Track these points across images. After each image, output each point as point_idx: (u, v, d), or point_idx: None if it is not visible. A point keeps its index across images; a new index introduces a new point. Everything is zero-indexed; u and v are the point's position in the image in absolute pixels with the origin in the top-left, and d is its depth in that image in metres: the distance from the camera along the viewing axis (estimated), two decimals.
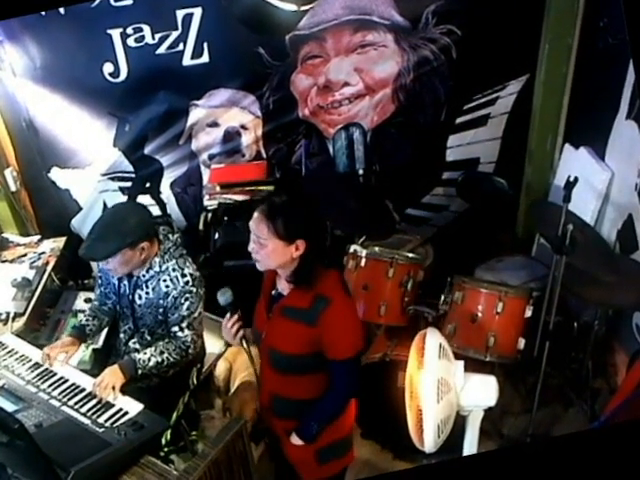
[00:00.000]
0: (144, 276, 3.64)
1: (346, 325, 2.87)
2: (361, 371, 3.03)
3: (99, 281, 4.00)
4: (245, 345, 3.03)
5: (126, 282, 3.72)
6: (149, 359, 3.51)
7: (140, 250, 3.49)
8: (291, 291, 2.92)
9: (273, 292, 3.05)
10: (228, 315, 3.03)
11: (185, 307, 3.59)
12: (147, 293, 3.66)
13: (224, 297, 3.02)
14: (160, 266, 3.61)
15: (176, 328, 3.63)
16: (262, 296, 3.10)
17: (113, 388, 3.31)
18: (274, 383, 3.09)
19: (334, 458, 3.21)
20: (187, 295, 3.59)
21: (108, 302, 3.95)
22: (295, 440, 3.04)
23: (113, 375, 3.38)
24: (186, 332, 3.63)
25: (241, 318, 3.02)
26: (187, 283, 3.59)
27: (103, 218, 3.56)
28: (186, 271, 3.62)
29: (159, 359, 3.54)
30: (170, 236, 3.71)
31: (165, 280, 3.60)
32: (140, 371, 3.49)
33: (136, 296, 3.70)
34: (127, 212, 3.60)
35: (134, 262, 3.54)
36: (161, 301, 3.62)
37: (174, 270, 3.61)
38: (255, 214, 2.80)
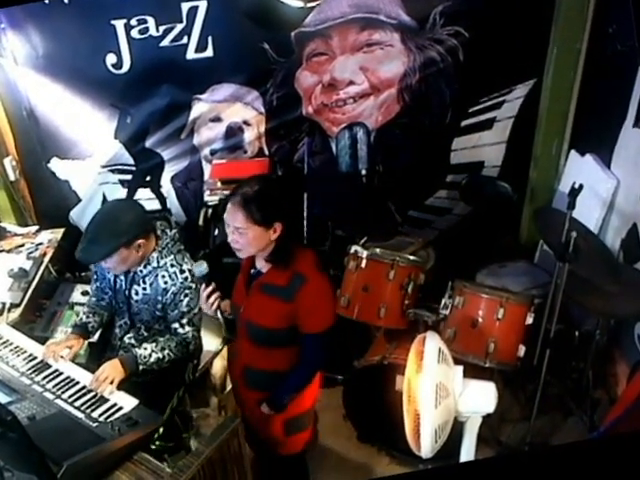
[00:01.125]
0: (141, 272, 3.64)
1: (320, 302, 3.13)
2: (330, 345, 3.25)
3: (95, 276, 3.99)
4: (219, 315, 3.21)
5: (122, 277, 3.72)
6: (150, 355, 3.52)
7: (136, 247, 3.49)
8: (269, 269, 3.15)
9: (252, 270, 3.26)
10: (203, 286, 3.20)
11: (185, 303, 3.60)
12: (144, 289, 3.66)
13: (200, 269, 3.23)
14: (158, 262, 3.61)
15: (176, 325, 3.64)
16: (241, 273, 3.32)
17: (111, 382, 3.32)
18: (249, 355, 3.33)
19: (299, 431, 3.50)
20: (186, 291, 3.59)
21: (105, 297, 3.95)
22: (265, 409, 3.27)
23: (113, 369, 3.38)
24: (187, 328, 3.65)
25: (216, 289, 3.18)
26: (186, 279, 3.59)
27: (96, 219, 3.53)
28: (185, 267, 3.63)
29: (160, 355, 3.54)
30: (168, 231, 3.72)
31: (164, 276, 3.60)
32: (141, 367, 3.49)
33: (132, 291, 3.69)
34: (120, 210, 3.58)
35: (132, 259, 3.54)
36: (159, 297, 3.62)
37: (172, 266, 3.61)
38: (228, 206, 2.98)
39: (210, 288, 3.18)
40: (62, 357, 3.55)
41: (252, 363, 3.33)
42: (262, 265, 3.18)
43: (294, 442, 3.51)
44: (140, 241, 3.48)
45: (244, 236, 2.95)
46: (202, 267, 3.21)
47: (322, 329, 3.14)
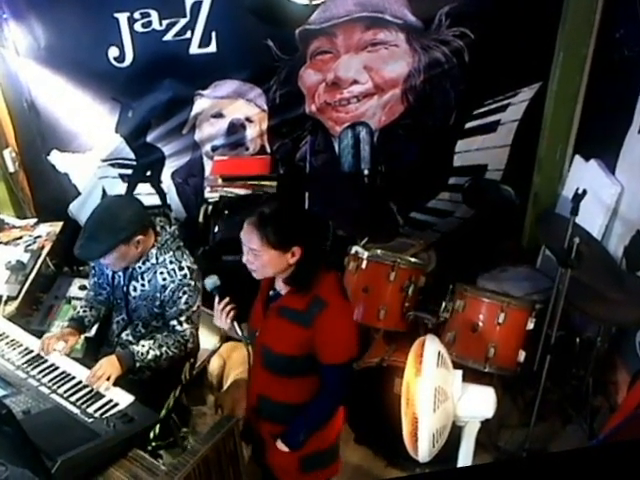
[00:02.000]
0: (140, 268, 3.64)
1: (340, 330, 2.92)
2: (352, 378, 3.09)
3: (92, 271, 4.00)
4: (237, 327, 3.06)
5: (121, 273, 3.72)
6: (147, 352, 3.51)
7: (135, 244, 3.50)
8: (288, 292, 2.96)
9: (271, 292, 3.08)
10: (217, 299, 3.08)
11: (183, 301, 3.60)
12: (143, 285, 3.66)
13: (211, 281, 3.11)
14: (157, 258, 3.61)
15: (174, 322, 3.64)
16: (260, 294, 3.14)
17: (108, 378, 3.31)
18: (263, 383, 3.13)
19: (318, 468, 3.27)
20: (185, 288, 3.59)
21: (103, 292, 3.95)
22: (280, 446, 3.08)
23: (110, 365, 3.38)
24: (185, 326, 3.64)
25: (230, 302, 3.06)
26: (185, 276, 3.59)
27: (94, 216, 3.52)
28: (184, 264, 3.63)
29: (157, 352, 3.54)
30: (167, 228, 3.71)
31: (162, 273, 3.60)
32: (138, 364, 3.48)
33: (131, 288, 3.70)
34: (118, 207, 3.57)
35: (131, 256, 3.54)
36: (158, 294, 3.62)
37: (171, 262, 3.62)
38: (245, 226, 2.84)
39: (224, 301, 3.06)
40: (57, 351, 3.55)
41: (267, 392, 3.15)
42: (281, 287, 3.02)
43: (312, 478, 3.31)
44: (139, 237, 3.48)
45: (259, 258, 2.82)
46: (213, 279, 3.12)
47: (342, 360, 2.93)
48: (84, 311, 3.84)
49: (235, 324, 3.05)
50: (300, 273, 2.87)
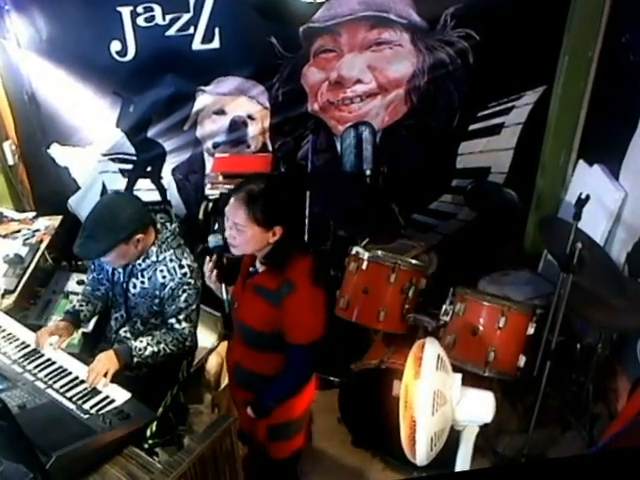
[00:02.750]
0: (140, 265, 3.65)
1: (305, 313, 3.09)
2: (316, 359, 3.25)
3: (92, 266, 4.00)
4: (223, 288, 3.31)
5: (120, 270, 3.73)
6: (145, 348, 3.52)
7: (135, 243, 3.51)
8: (264, 271, 3.17)
9: (251, 268, 3.25)
10: (210, 258, 3.27)
11: (183, 299, 3.61)
12: (142, 282, 3.67)
13: (215, 239, 3.27)
14: (157, 256, 3.62)
15: (173, 320, 3.65)
16: (241, 270, 3.32)
17: (105, 374, 3.32)
18: (239, 352, 3.38)
19: (284, 438, 3.49)
20: (185, 287, 3.60)
21: (101, 288, 3.97)
22: (249, 412, 3.27)
23: (108, 360, 3.39)
24: (183, 324, 3.65)
25: (222, 263, 3.28)
26: (185, 274, 3.61)
27: (94, 214, 3.53)
28: (184, 262, 3.64)
29: (155, 349, 3.55)
30: (168, 225, 3.73)
31: (162, 270, 3.61)
32: (135, 359, 3.49)
33: (130, 285, 3.71)
34: (118, 206, 3.56)
35: (131, 254, 3.56)
36: (157, 291, 3.63)
37: (171, 260, 3.63)
38: (232, 200, 2.99)
39: (214, 259, 3.26)
40: (51, 344, 3.57)
41: (241, 361, 3.38)
42: (260, 265, 3.19)
43: (278, 449, 3.51)
44: (139, 236, 3.49)
45: (242, 234, 2.96)
46: (217, 238, 3.26)
47: (306, 341, 3.10)
48: (80, 305, 3.85)
49: (223, 286, 3.28)
50: (277, 252, 3.05)
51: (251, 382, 3.36)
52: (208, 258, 3.27)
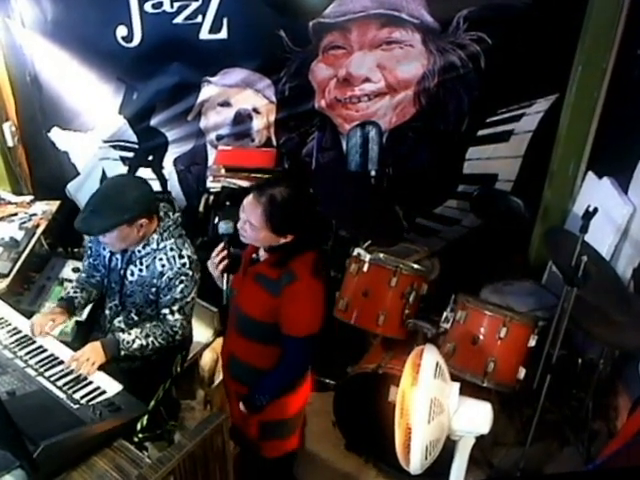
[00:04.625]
0: (139, 252, 3.65)
1: (304, 304, 3.11)
2: (311, 353, 3.28)
3: (88, 252, 3.99)
4: (224, 280, 3.29)
5: (119, 256, 3.73)
6: (133, 341, 3.53)
7: (138, 227, 3.50)
8: (266, 259, 3.20)
9: (254, 255, 3.28)
10: (221, 245, 3.29)
11: (179, 290, 3.61)
12: (140, 270, 3.67)
13: (226, 226, 3.31)
14: (157, 244, 3.62)
15: (166, 310, 3.64)
16: (244, 257, 3.34)
17: (92, 365, 3.32)
18: (233, 342, 3.40)
19: (276, 437, 3.51)
20: (182, 277, 3.60)
21: (96, 275, 3.97)
22: (242, 407, 3.30)
23: (94, 352, 3.40)
24: (176, 316, 3.65)
25: (230, 254, 3.28)
26: (184, 265, 3.61)
27: (101, 191, 3.54)
28: (184, 252, 3.64)
29: (144, 342, 3.55)
30: (170, 214, 3.72)
31: (161, 259, 3.61)
32: (123, 352, 3.50)
33: (128, 272, 3.70)
34: (127, 186, 3.56)
35: (131, 238, 3.55)
36: (154, 280, 3.63)
37: (172, 250, 3.63)
38: (251, 198, 3.00)
39: (223, 250, 3.28)
40: (45, 331, 3.58)
41: (236, 352, 3.40)
42: (262, 254, 3.22)
43: (270, 447, 3.53)
44: (143, 221, 3.49)
45: (254, 232, 3.00)
46: (229, 225, 3.29)
47: (302, 334, 3.12)
48: (75, 292, 3.86)
49: (224, 276, 3.27)
50: (284, 251, 3.07)
51: (246, 375, 3.37)
52: (221, 246, 3.29)
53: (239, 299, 3.27)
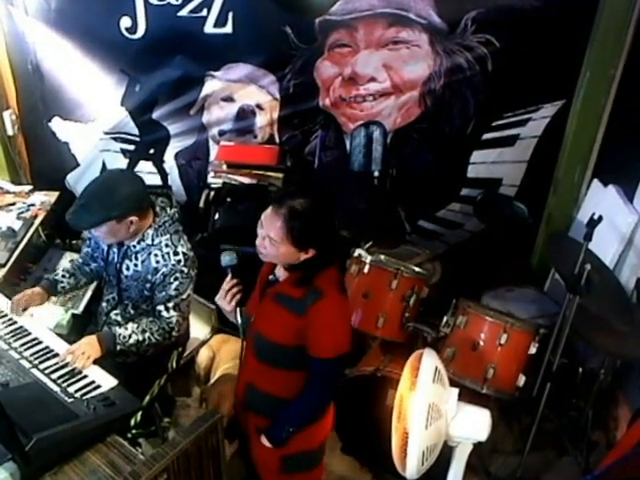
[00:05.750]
0: (134, 247, 3.66)
1: (332, 322, 2.93)
2: (339, 376, 3.24)
3: (88, 242, 4.03)
4: (239, 314, 3.09)
5: (115, 250, 3.75)
6: (130, 336, 3.53)
7: (128, 223, 3.50)
8: (286, 279, 3.00)
9: (270, 277, 3.12)
10: (228, 278, 3.10)
11: (173, 287, 3.61)
12: (135, 265, 3.68)
13: (228, 258, 3.12)
14: (152, 239, 3.62)
15: (161, 307, 3.64)
16: (259, 278, 3.18)
17: (87, 359, 3.32)
18: (252, 371, 3.17)
19: (299, 471, 3.30)
20: (177, 274, 3.60)
21: (91, 264, 3.99)
22: (263, 441, 3.11)
23: (90, 345, 3.40)
24: (171, 313, 3.65)
25: (241, 284, 3.09)
26: (179, 262, 3.60)
27: (93, 185, 3.54)
28: (179, 249, 3.64)
29: (140, 337, 3.55)
30: (167, 209, 3.72)
31: (156, 255, 3.61)
32: (119, 347, 3.50)
33: (124, 266, 3.72)
34: (119, 182, 3.57)
35: (121, 234, 3.56)
36: (149, 276, 3.64)
37: (167, 246, 3.63)
38: (270, 212, 2.84)
39: (234, 282, 3.09)
40: (19, 309, 3.62)
41: (255, 381, 3.18)
42: (281, 274, 3.06)
43: None
44: (132, 218, 3.49)
45: (274, 247, 2.83)
46: (232, 256, 3.12)
47: (332, 354, 2.94)
48: (63, 276, 3.89)
49: (238, 310, 3.08)
50: (306, 269, 2.90)
51: (267, 406, 3.17)
52: (228, 278, 3.09)
53: (258, 324, 3.08)
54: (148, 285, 3.69)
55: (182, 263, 3.62)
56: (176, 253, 3.62)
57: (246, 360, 3.20)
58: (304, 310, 2.88)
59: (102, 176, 3.69)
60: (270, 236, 2.81)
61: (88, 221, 3.47)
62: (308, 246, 2.84)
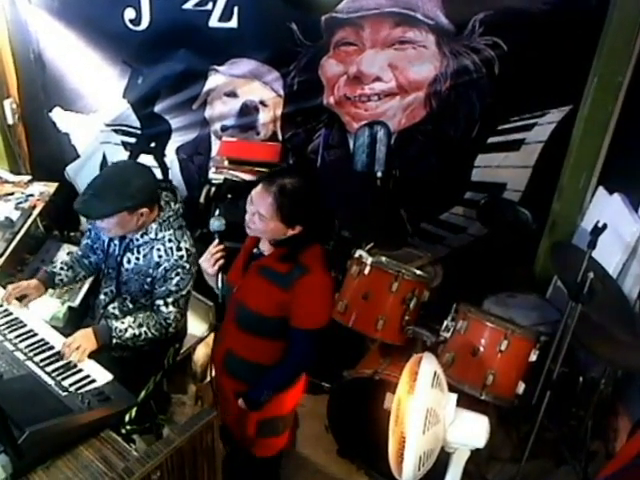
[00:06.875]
0: (137, 240, 3.66)
1: (316, 296, 3.19)
2: (318, 347, 3.28)
3: (88, 234, 4.02)
4: (220, 278, 3.26)
5: (117, 242, 3.75)
6: (126, 330, 3.52)
7: (138, 215, 3.51)
8: (272, 253, 3.23)
9: (255, 250, 3.31)
10: (215, 242, 3.27)
11: (174, 282, 3.62)
12: (137, 258, 3.68)
13: (218, 223, 3.28)
14: (156, 233, 3.63)
15: (160, 302, 3.65)
16: (242, 251, 3.38)
17: (83, 352, 3.31)
18: (232, 338, 3.39)
19: (271, 434, 3.56)
20: (179, 270, 3.61)
21: (91, 257, 4.00)
22: (241, 404, 3.32)
23: (85, 338, 3.39)
24: (170, 308, 3.65)
25: (226, 250, 3.26)
26: (181, 257, 3.61)
27: (105, 175, 3.57)
28: (182, 244, 3.65)
29: (136, 332, 3.55)
30: (172, 204, 3.73)
31: (159, 249, 3.62)
32: (115, 340, 3.49)
33: (125, 259, 3.71)
34: (132, 174, 3.58)
35: (130, 226, 3.55)
36: (150, 270, 3.65)
37: (170, 241, 3.64)
38: (260, 188, 3.02)
39: (219, 247, 3.25)
40: (11, 299, 3.61)
41: (235, 348, 3.39)
42: (266, 248, 3.25)
43: (265, 445, 3.56)
44: (144, 210, 3.50)
45: (263, 223, 3.02)
46: (221, 222, 3.28)
47: (313, 325, 3.20)
48: (61, 269, 3.89)
49: (220, 274, 3.24)
50: (292, 245, 3.10)
51: (244, 371, 3.39)
52: (215, 243, 3.27)
53: (241, 294, 3.28)
54: (149, 279, 3.70)
55: (184, 259, 3.63)
56: (179, 248, 3.64)
57: (226, 327, 3.42)
58: (289, 284, 3.11)
59: (113, 166, 3.71)
60: (260, 212, 2.99)
61: (101, 211, 3.46)
62: (295, 223, 3.03)
